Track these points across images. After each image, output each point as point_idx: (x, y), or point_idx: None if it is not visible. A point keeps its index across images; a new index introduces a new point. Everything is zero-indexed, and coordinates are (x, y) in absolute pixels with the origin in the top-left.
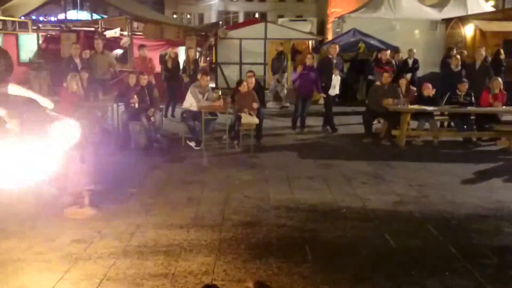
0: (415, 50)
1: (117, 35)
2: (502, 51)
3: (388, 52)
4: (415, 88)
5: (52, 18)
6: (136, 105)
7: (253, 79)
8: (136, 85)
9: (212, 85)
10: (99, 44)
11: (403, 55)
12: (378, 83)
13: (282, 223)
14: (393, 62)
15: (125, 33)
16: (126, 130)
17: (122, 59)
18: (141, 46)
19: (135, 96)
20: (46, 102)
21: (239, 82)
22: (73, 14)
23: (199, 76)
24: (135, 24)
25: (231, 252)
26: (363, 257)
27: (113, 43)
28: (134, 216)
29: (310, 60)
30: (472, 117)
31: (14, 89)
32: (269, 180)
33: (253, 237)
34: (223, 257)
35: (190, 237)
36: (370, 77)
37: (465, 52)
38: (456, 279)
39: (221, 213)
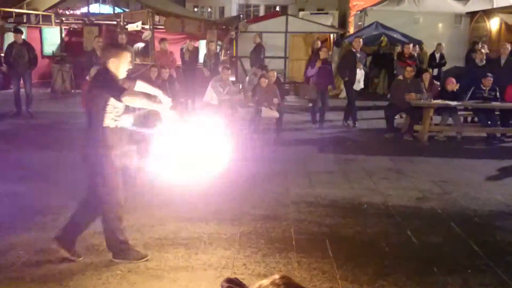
0: (443, 45)
1: (139, 28)
2: None
3: (411, 46)
4: (438, 83)
5: (75, 12)
6: None
7: (275, 73)
8: (157, 79)
9: (232, 78)
10: (123, 38)
11: (428, 49)
12: (400, 77)
13: (302, 218)
14: (416, 56)
15: (147, 26)
16: None
17: (144, 52)
18: (162, 40)
19: None
20: (165, 99)
21: (261, 76)
22: (95, 8)
23: (220, 69)
24: (157, 18)
25: (251, 246)
26: (384, 253)
27: (135, 36)
28: (155, 209)
29: (325, 53)
30: (497, 113)
31: (139, 86)
32: (289, 174)
33: (273, 232)
34: (243, 251)
35: (210, 231)
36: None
37: (486, 47)
38: (478, 276)
39: (241, 207)
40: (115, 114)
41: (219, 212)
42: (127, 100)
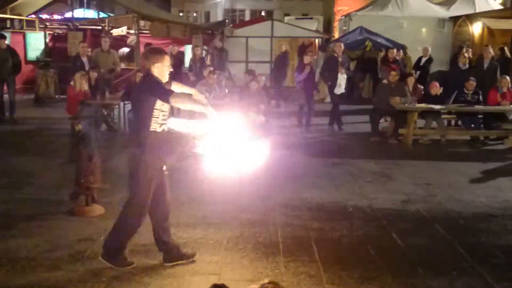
0: (430, 49)
1: (124, 33)
2: (506, 49)
3: (395, 50)
4: (422, 87)
5: (59, 17)
6: None
7: (263, 78)
8: None
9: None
10: (106, 42)
11: (412, 53)
12: (385, 81)
13: (289, 222)
14: (400, 60)
15: (132, 31)
16: None
17: (129, 57)
18: (148, 45)
19: None
20: (200, 96)
21: (251, 80)
22: (80, 13)
23: (205, 74)
24: (142, 23)
25: (238, 251)
26: (370, 256)
27: (120, 41)
28: None
29: (309, 58)
30: (480, 116)
31: (176, 87)
32: (275, 178)
33: (260, 236)
34: (230, 256)
35: (197, 236)
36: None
37: (470, 51)
38: (463, 278)
39: (228, 212)
40: (162, 118)
41: (206, 217)
42: (176, 102)
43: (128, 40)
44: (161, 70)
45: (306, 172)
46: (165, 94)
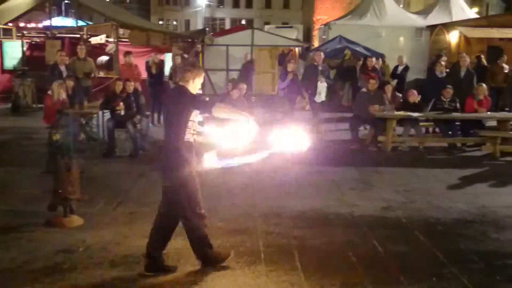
0: (405, 58)
1: (103, 41)
2: (483, 57)
3: (374, 59)
4: (400, 95)
5: (37, 25)
6: (122, 112)
7: (245, 86)
8: (122, 92)
9: (199, 91)
10: (82, 49)
11: (390, 62)
12: (364, 89)
13: (270, 230)
14: (378, 68)
15: (111, 39)
16: (111, 138)
17: (108, 66)
18: (127, 53)
19: (121, 103)
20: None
21: (232, 88)
22: (58, 21)
23: None
24: (121, 31)
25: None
26: (351, 263)
27: (99, 49)
28: (121, 225)
29: (293, 66)
30: (457, 123)
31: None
32: (257, 187)
33: (241, 245)
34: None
35: (177, 246)
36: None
37: (445, 59)
38: (443, 284)
39: (209, 221)
40: (193, 129)
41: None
42: (218, 113)
43: (107, 49)
44: (197, 85)
45: (287, 179)
46: (207, 106)
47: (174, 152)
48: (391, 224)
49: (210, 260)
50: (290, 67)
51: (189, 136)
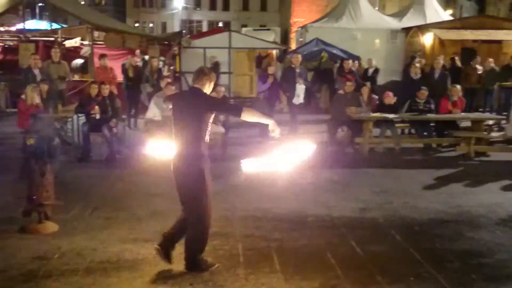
0: (374, 60)
1: (77, 44)
2: (457, 58)
3: (350, 61)
4: (376, 97)
5: (11, 28)
6: (98, 116)
7: (223, 89)
8: (97, 96)
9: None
10: (56, 53)
11: (366, 64)
12: (341, 91)
13: (249, 233)
14: (355, 71)
15: (86, 42)
16: (87, 142)
17: (83, 69)
18: (102, 56)
19: (97, 107)
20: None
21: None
22: (32, 24)
23: (162, 85)
24: (96, 33)
25: None
26: (330, 264)
27: (73, 52)
28: (97, 231)
29: (273, 68)
30: (432, 124)
31: None
32: (236, 190)
33: (220, 249)
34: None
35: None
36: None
37: (423, 61)
38: (420, 284)
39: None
40: (209, 130)
41: (164, 231)
42: (246, 116)
43: (82, 51)
44: (210, 88)
45: (266, 182)
46: (237, 109)
47: (196, 151)
48: (369, 224)
49: (196, 265)
50: (271, 69)
51: (207, 138)
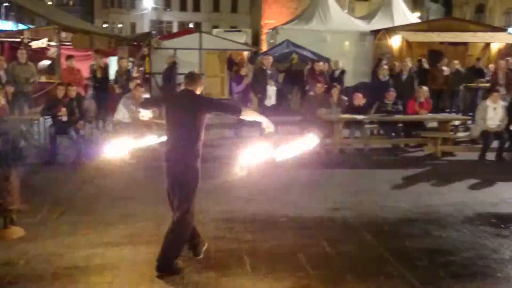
0: (340, 62)
1: (44, 45)
2: (424, 60)
3: (321, 63)
4: (346, 98)
5: None
6: (65, 118)
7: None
8: (64, 97)
9: (147, 95)
10: (23, 54)
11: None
12: (312, 93)
13: (221, 235)
14: (326, 73)
15: (53, 43)
16: (54, 145)
17: (50, 70)
18: (69, 57)
19: (64, 109)
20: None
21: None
22: None
23: (131, 86)
24: (63, 34)
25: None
26: (301, 265)
27: (40, 54)
28: (64, 236)
29: (246, 69)
30: (400, 125)
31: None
32: (207, 191)
33: (191, 251)
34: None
35: (125, 255)
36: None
37: (396, 64)
38: (390, 282)
39: (158, 229)
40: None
41: (134, 235)
42: (244, 115)
43: (49, 53)
44: (201, 91)
45: (238, 183)
46: (236, 109)
47: (193, 151)
48: (339, 224)
49: (170, 267)
50: (243, 71)
51: (202, 138)
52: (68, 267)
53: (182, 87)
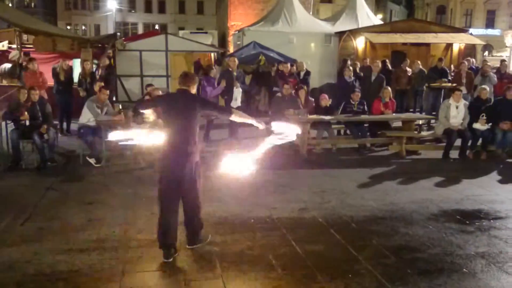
0: (304, 63)
1: (5, 48)
2: (387, 61)
3: (288, 64)
4: (313, 99)
5: None
6: (27, 122)
7: (160, 92)
8: (26, 101)
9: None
10: None
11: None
12: (279, 94)
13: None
14: (295, 74)
15: (14, 46)
16: (16, 150)
17: (11, 73)
18: (31, 60)
19: (26, 113)
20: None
21: (147, 94)
22: None
23: (96, 89)
24: (25, 37)
25: (138, 273)
26: (271, 266)
27: (1, 57)
28: (29, 242)
29: (214, 71)
30: (366, 125)
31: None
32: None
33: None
34: (129, 279)
35: (92, 262)
36: (275, 88)
37: (358, 64)
38: (358, 280)
39: (126, 233)
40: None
41: (101, 240)
42: (234, 116)
43: (10, 55)
44: (195, 90)
45: (207, 185)
46: (228, 111)
47: (191, 146)
48: (309, 224)
49: (198, 240)
50: (212, 73)
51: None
52: (34, 274)
53: (178, 86)
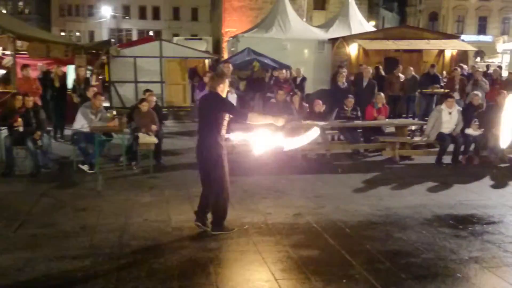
0: (302, 69)
1: None
2: (380, 67)
3: (284, 70)
4: (307, 105)
5: None
6: (21, 129)
7: (154, 98)
8: (20, 108)
9: (107, 104)
10: None
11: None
12: (273, 100)
13: (184, 244)
14: (290, 80)
15: (8, 52)
16: (10, 156)
17: (5, 80)
18: (24, 66)
19: (20, 119)
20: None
21: (142, 100)
22: None
23: (90, 94)
24: (19, 43)
25: (131, 279)
26: (266, 271)
27: None
28: (22, 249)
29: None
30: (359, 130)
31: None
32: (170, 201)
33: (155, 262)
34: (122, 286)
35: (85, 268)
36: (269, 94)
37: (345, 70)
38: (352, 285)
39: (119, 240)
40: (224, 126)
41: (94, 246)
42: (251, 120)
43: (4, 62)
44: (224, 90)
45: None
46: (244, 114)
47: (214, 141)
48: (303, 229)
49: (221, 228)
50: (206, 78)
51: (223, 131)
52: (26, 281)
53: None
